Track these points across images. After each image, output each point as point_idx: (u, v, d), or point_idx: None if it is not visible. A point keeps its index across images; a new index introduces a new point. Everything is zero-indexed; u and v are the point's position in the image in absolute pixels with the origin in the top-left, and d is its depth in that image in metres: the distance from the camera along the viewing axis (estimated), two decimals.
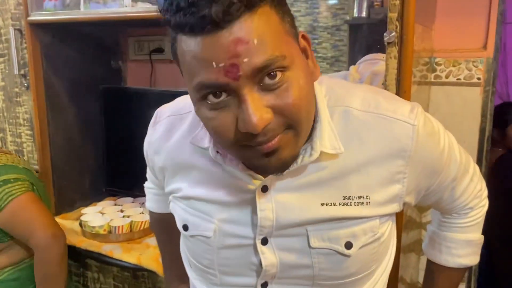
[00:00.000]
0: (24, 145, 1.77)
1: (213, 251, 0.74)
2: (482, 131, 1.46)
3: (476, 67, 1.43)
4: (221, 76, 0.52)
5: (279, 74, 0.54)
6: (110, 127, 1.93)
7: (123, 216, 1.63)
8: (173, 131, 0.76)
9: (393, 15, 1.06)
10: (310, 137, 0.65)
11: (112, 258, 1.48)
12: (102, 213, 1.69)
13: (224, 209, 0.72)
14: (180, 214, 0.78)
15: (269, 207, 0.69)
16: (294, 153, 0.61)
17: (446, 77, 1.47)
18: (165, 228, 0.99)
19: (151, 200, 0.98)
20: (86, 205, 1.85)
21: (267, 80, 0.54)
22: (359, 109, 0.67)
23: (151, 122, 0.82)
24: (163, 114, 0.80)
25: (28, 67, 1.66)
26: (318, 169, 0.67)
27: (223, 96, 0.55)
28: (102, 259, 1.52)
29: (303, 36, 0.62)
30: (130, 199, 1.84)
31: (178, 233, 0.81)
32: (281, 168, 0.63)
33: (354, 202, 0.67)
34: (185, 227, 0.77)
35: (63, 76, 1.78)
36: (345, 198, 0.67)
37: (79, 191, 1.90)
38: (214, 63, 0.52)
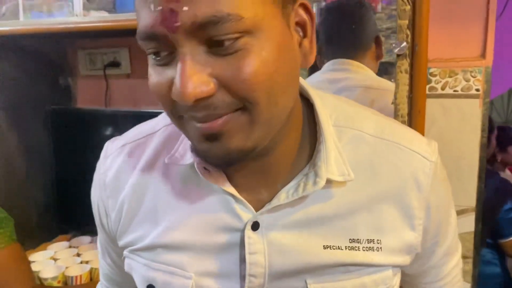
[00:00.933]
0: None
1: None
2: (482, 146, 1.34)
3: (474, 77, 1.31)
4: (157, 23, 0.43)
5: (229, 40, 0.42)
6: (60, 154, 1.68)
7: (81, 262, 1.38)
8: (131, 162, 0.62)
9: (403, 23, 0.91)
10: (311, 160, 0.55)
11: None
12: (55, 259, 1.43)
13: (202, 257, 0.58)
14: (142, 272, 0.61)
15: (261, 250, 0.55)
16: (245, 145, 0.47)
17: (442, 88, 1.35)
18: None
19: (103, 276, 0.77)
20: (34, 247, 1.58)
21: (215, 43, 0.43)
22: (372, 134, 0.58)
23: (100, 159, 0.66)
24: (114, 146, 0.65)
25: None
26: (321, 200, 0.56)
27: (163, 53, 0.45)
28: None
29: (304, 6, 0.50)
30: (87, 238, 1.58)
31: None
32: (224, 162, 0.49)
33: (363, 247, 0.57)
34: (150, 287, 0.61)
35: (2, 97, 1.52)
36: (352, 241, 0.56)
37: (24, 231, 1.61)
38: (152, 5, 0.43)
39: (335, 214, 0.56)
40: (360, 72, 1.16)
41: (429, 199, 0.58)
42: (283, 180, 0.56)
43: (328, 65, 1.19)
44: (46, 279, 1.29)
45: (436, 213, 0.60)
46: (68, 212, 1.69)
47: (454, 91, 1.34)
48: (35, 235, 1.65)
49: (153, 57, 0.46)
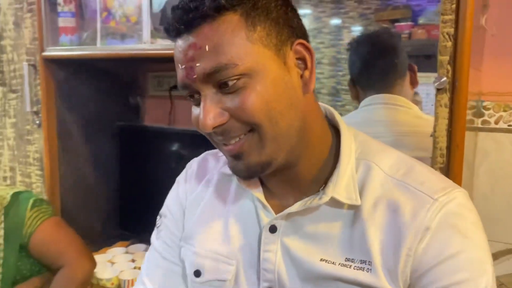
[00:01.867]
0: (34, 185, 1.67)
1: None
2: None
3: None
4: (184, 77, 0.59)
5: (231, 81, 0.56)
6: (125, 167, 1.82)
7: (134, 267, 1.49)
8: (206, 166, 0.79)
9: (443, 58, 0.93)
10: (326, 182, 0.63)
11: None
12: (112, 263, 1.55)
13: (240, 250, 0.69)
14: (193, 259, 0.72)
15: (273, 249, 0.65)
16: (261, 160, 0.60)
17: (496, 122, 1.32)
18: None
19: (152, 272, 0.79)
20: (97, 250, 1.72)
21: (222, 85, 0.57)
22: (385, 171, 0.63)
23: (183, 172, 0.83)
24: (200, 155, 0.82)
25: (41, 104, 1.57)
26: (331, 219, 0.63)
27: (195, 96, 0.60)
28: None
29: (302, 45, 0.61)
30: (143, 246, 1.70)
31: None
32: (249, 174, 0.62)
33: (355, 266, 0.60)
34: (197, 273, 0.71)
35: (78, 113, 1.69)
36: (347, 260, 0.61)
37: (89, 235, 1.77)
38: (179, 65, 0.59)
39: (339, 233, 0.62)
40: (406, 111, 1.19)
41: (426, 234, 0.56)
42: (306, 193, 0.65)
43: (371, 100, 1.22)
44: (101, 280, 1.41)
45: (435, 253, 0.57)
46: (129, 221, 1.82)
47: (509, 125, 1.31)
48: (97, 239, 1.79)
49: (190, 99, 0.62)
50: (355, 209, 0.62)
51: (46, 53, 1.54)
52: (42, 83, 1.55)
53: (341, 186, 0.62)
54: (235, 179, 0.72)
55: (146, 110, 1.96)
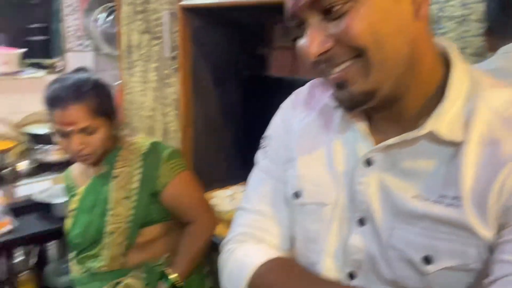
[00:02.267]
0: (170, 124, 1.87)
1: (322, 223, 0.70)
2: None
3: None
4: (292, 5, 0.60)
5: (337, 5, 0.56)
6: (249, 113, 1.93)
7: None
8: (314, 94, 0.79)
9: None
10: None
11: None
12: (233, 198, 1.69)
13: (341, 177, 0.70)
14: (294, 181, 0.75)
15: (367, 182, 0.66)
16: (366, 88, 0.59)
17: None
18: None
19: (260, 190, 0.82)
20: (219, 188, 1.88)
21: (327, 11, 0.58)
22: (492, 109, 0.60)
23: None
24: (308, 83, 0.83)
25: (178, 50, 1.74)
26: (430, 156, 0.61)
27: (302, 26, 0.61)
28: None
29: None
30: None
31: None
32: (352, 105, 0.63)
33: (447, 203, 0.59)
34: (297, 194, 0.74)
35: (209, 60, 1.83)
36: (441, 196, 0.60)
37: (216, 174, 1.95)
38: None
39: (436, 170, 0.61)
40: None
41: None
42: (410, 129, 0.62)
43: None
44: (220, 212, 1.55)
45: None
46: (251, 163, 1.94)
47: None
48: (223, 179, 1.95)
49: (297, 31, 0.63)
50: (456, 146, 0.60)
51: (183, 3, 1.69)
52: (180, 31, 1.71)
53: (444, 121, 0.60)
54: (339, 110, 0.72)
55: (273, 60, 2.03)
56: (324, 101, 0.76)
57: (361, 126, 0.68)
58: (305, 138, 0.76)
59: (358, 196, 0.67)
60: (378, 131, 0.68)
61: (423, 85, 0.63)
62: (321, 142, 0.74)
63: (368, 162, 0.66)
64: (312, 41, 0.59)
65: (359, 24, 0.56)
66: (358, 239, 0.67)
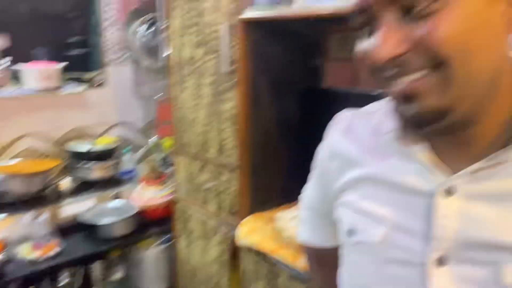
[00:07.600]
0: (226, 140, 1.80)
1: (377, 264, 0.62)
2: None
3: None
4: None
5: (423, 3, 0.47)
6: (306, 129, 1.85)
7: None
8: (352, 127, 0.71)
9: None
10: None
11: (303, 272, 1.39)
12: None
13: (395, 211, 0.62)
14: (348, 218, 0.69)
15: (452, 215, 0.56)
16: (440, 104, 0.50)
17: None
18: (324, 265, 0.86)
19: (307, 229, 0.86)
20: (276, 206, 1.81)
21: (408, 9, 0.49)
22: None
23: (329, 126, 0.78)
24: (342, 114, 0.76)
25: (236, 64, 1.66)
26: None
27: (370, 25, 0.53)
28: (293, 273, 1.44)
29: None
30: None
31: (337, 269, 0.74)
32: (419, 123, 0.53)
33: None
34: (351, 232, 0.67)
35: (267, 74, 1.76)
36: None
37: (272, 191, 1.87)
38: None
39: None
40: None
41: None
42: (480, 159, 0.55)
43: None
44: (289, 237, 1.47)
45: None
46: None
47: None
48: (279, 197, 1.86)
49: (361, 30, 0.54)
50: None
51: (243, 16, 1.61)
52: (240, 44, 1.64)
53: None
54: (389, 136, 0.63)
55: (328, 72, 1.95)
56: (371, 129, 0.68)
57: (423, 155, 0.59)
58: (354, 170, 0.69)
59: (439, 232, 0.57)
60: (446, 158, 0.58)
61: (504, 108, 0.54)
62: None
63: (448, 192, 0.57)
64: (384, 41, 0.49)
65: (448, 28, 0.47)
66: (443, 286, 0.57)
